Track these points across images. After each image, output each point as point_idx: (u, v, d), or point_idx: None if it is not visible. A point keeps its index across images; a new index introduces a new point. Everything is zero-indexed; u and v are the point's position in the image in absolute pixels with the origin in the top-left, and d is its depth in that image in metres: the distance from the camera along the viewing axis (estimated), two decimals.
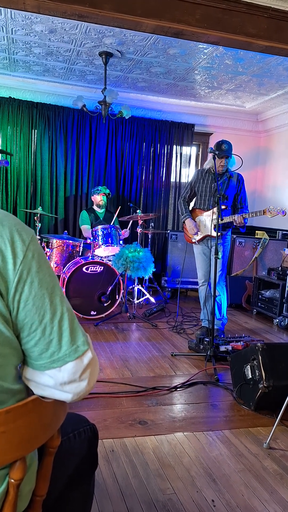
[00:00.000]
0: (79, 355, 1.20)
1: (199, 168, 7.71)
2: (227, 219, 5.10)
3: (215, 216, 5.17)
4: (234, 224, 5.14)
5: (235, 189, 5.33)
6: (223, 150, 5.04)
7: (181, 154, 8.29)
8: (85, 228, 7.09)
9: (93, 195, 7.10)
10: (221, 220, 4.96)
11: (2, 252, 1.12)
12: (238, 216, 5.01)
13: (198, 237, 5.38)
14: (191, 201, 5.64)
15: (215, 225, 5.14)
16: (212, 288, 5.06)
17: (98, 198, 7.01)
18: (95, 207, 7.14)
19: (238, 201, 5.39)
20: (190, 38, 4.10)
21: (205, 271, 5.45)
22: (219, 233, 5.07)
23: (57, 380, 1.19)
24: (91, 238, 6.26)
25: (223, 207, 5.18)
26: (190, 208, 5.56)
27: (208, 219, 5.30)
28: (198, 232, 5.35)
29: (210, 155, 5.35)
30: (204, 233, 5.32)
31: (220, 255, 4.72)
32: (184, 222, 5.49)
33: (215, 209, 5.19)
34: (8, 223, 1.17)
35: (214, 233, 5.15)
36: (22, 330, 1.16)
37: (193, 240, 5.43)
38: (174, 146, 8.24)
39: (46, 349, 1.17)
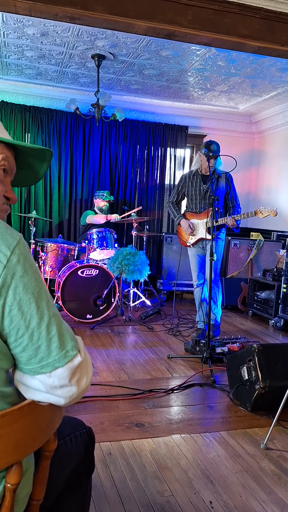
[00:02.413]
0: (69, 360, 1.19)
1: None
2: (219, 221, 5.11)
3: (206, 219, 5.20)
4: (227, 225, 5.16)
5: (224, 188, 5.34)
6: (213, 150, 5.05)
7: (175, 156, 8.29)
8: (92, 217, 6.98)
9: (96, 198, 7.09)
10: (216, 222, 4.97)
11: None
12: (230, 218, 5.05)
13: (192, 241, 5.40)
14: (179, 203, 5.66)
15: (208, 228, 5.17)
16: (208, 289, 5.08)
17: (102, 203, 7.00)
18: (96, 210, 7.11)
19: (229, 200, 5.40)
20: (183, 39, 4.10)
21: (200, 273, 5.46)
22: (213, 235, 5.10)
23: (47, 385, 1.18)
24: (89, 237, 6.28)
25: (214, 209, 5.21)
26: (182, 211, 5.56)
27: (200, 222, 5.32)
28: (193, 232, 5.35)
29: (196, 156, 5.36)
30: (198, 236, 5.35)
31: (215, 257, 4.71)
32: (179, 224, 5.50)
33: (206, 212, 5.23)
34: None
35: (208, 236, 5.18)
36: (9, 336, 1.15)
37: (188, 244, 5.44)
38: (168, 148, 8.24)
39: (35, 354, 1.16)
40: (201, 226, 5.33)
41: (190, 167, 8.49)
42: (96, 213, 7.08)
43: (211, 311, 5.31)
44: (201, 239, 5.36)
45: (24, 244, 1.18)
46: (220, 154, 5.12)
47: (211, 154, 5.02)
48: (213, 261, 4.66)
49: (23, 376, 1.21)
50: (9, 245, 1.14)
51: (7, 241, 1.14)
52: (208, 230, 5.21)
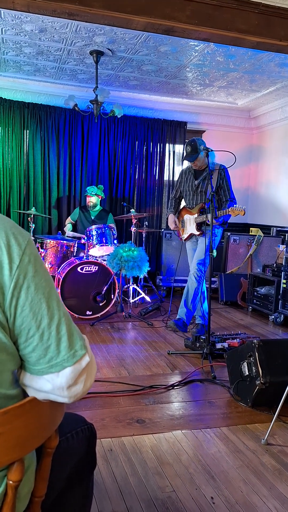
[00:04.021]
0: (77, 359, 1.20)
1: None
2: (201, 219, 5.18)
3: (196, 215, 5.30)
4: (208, 223, 5.12)
5: (217, 182, 5.28)
6: (186, 151, 5.18)
7: (174, 152, 8.27)
8: (67, 220, 7.39)
9: (86, 196, 7.12)
10: (216, 217, 4.96)
11: None
12: (210, 215, 5.01)
13: (184, 236, 5.51)
14: (181, 199, 5.70)
15: (197, 224, 5.20)
16: (190, 281, 5.23)
17: (87, 200, 7.01)
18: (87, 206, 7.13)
19: (222, 194, 5.33)
20: (181, 35, 4.09)
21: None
22: (200, 231, 5.19)
23: (55, 385, 1.19)
24: (68, 235, 6.47)
25: (201, 205, 5.21)
26: (181, 207, 5.61)
27: (191, 218, 5.38)
28: (182, 230, 5.47)
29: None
30: (189, 232, 5.43)
31: (214, 253, 4.68)
32: (167, 218, 5.66)
33: (196, 208, 5.30)
34: (4, 226, 1.16)
35: (196, 232, 5.30)
36: (19, 336, 1.15)
37: (182, 239, 5.57)
38: (167, 144, 8.23)
39: (44, 354, 1.17)
40: (191, 221, 5.38)
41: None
42: (88, 209, 7.14)
43: (185, 307, 5.40)
44: (192, 235, 5.43)
45: (33, 244, 1.19)
46: (204, 149, 4.98)
47: (184, 157, 5.16)
48: (212, 257, 4.63)
49: (30, 377, 1.21)
50: (20, 244, 1.15)
51: (18, 241, 1.15)
52: (197, 226, 5.23)
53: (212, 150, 4.96)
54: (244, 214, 4.90)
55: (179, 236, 5.66)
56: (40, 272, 1.17)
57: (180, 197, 5.67)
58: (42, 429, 1.21)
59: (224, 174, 5.29)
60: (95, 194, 6.94)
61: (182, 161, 5.15)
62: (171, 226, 5.54)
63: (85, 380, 1.23)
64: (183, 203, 5.70)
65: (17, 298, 1.12)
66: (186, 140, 8.30)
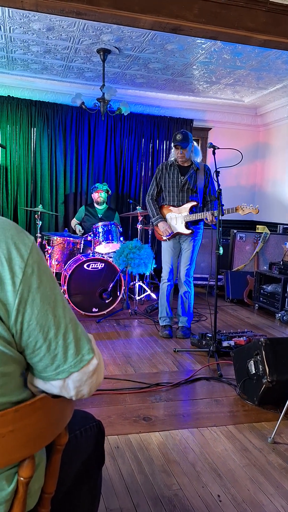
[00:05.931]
0: (84, 364, 1.19)
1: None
2: (198, 216, 5.03)
3: (185, 213, 5.11)
4: (205, 221, 5.04)
5: (203, 181, 5.18)
6: (176, 140, 5.01)
7: None
8: (73, 221, 7.43)
9: (92, 193, 7.12)
10: (216, 215, 4.82)
11: None
12: (209, 213, 4.91)
13: (169, 235, 5.23)
14: (159, 197, 5.43)
15: (186, 222, 5.09)
16: (182, 289, 5.26)
17: (96, 196, 7.02)
18: (95, 204, 7.14)
19: (207, 194, 5.22)
20: (188, 33, 4.10)
21: (171, 269, 5.35)
22: (190, 230, 5.08)
23: (62, 389, 1.20)
24: (80, 232, 6.72)
25: (194, 203, 5.11)
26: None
27: (179, 216, 5.16)
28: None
29: (172, 149, 5.26)
30: (175, 231, 5.20)
31: (221, 251, 4.63)
32: (156, 225, 5.28)
33: (185, 206, 5.13)
34: (4, 236, 1.10)
35: (185, 231, 5.12)
36: (26, 348, 1.13)
37: (164, 238, 5.26)
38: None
39: (51, 363, 1.16)
40: (179, 220, 5.16)
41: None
42: (94, 206, 7.16)
43: (181, 315, 5.37)
44: (178, 234, 5.21)
45: (36, 250, 1.14)
46: (178, 143, 4.99)
47: (174, 144, 5.03)
48: (218, 254, 4.58)
49: (38, 381, 1.21)
50: (23, 255, 1.10)
51: (20, 252, 1.10)
52: (186, 225, 5.11)
53: (218, 148, 4.86)
54: (257, 212, 4.89)
55: (159, 235, 5.33)
56: (44, 280, 1.13)
57: (159, 193, 5.39)
58: (52, 426, 1.23)
59: (209, 173, 5.17)
60: (105, 190, 6.98)
61: (174, 144, 5.03)
62: (165, 233, 5.18)
63: (92, 381, 1.23)
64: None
65: (23, 313, 1.09)
66: (193, 138, 8.31)
